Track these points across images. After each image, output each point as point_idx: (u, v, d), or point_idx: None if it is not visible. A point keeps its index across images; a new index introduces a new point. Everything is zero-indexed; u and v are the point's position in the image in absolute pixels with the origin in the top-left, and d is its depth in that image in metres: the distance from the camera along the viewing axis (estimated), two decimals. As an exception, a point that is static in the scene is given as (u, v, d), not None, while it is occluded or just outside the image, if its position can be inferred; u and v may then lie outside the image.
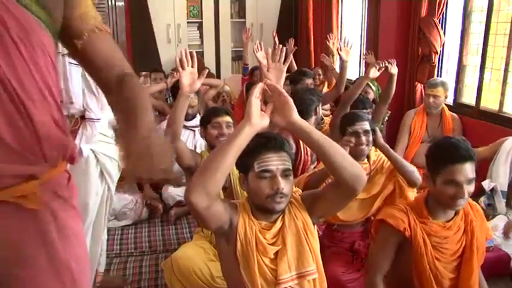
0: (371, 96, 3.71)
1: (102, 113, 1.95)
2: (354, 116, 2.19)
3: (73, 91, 1.83)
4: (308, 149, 2.71)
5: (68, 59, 1.79)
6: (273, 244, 1.45)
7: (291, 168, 1.44)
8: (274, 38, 4.34)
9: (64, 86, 1.82)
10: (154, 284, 2.43)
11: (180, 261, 1.99)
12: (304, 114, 2.43)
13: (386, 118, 3.54)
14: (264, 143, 1.40)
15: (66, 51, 1.73)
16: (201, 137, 2.32)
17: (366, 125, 2.12)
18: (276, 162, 1.40)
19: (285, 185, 1.39)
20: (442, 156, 1.61)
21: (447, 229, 1.67)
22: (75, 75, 1.82)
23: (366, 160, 2.23)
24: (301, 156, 2.70)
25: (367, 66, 4.54)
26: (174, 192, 3.24)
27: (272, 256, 1.44)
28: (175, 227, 3.09)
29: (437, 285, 1.64)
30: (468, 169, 1.55)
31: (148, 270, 2.56)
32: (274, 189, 1.38)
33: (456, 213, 1.70)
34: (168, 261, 2.06)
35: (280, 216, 1.47)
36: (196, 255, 2.03)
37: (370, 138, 2.12)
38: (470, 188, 1.57)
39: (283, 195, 1.40)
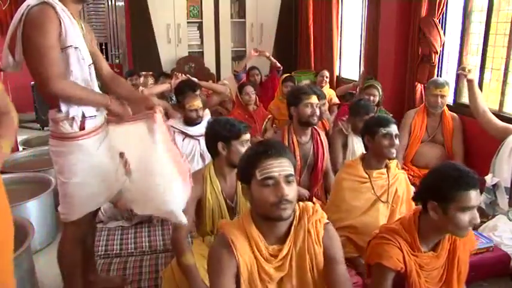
0: (376, 99, 3.63)
1: (97, 110, 1.92)
2: (388, 119, 2.28)
3: (81, 83, 1.83)
4: (324, 145, 2.82)
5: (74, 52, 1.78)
6: (278, 268, 1.43)
7: (293, 173, 1.41)
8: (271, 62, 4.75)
9: (73, 79, 1.80)
10: (155, 284, 2.43)
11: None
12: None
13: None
14: (263, 150, 1.39)
15: (73, 45, 1.74)
16: (222, 149, 2.11)
17: (396, 129, 2.25)
18: (277, 168, 1.38)
19: (289, 191, 1.37)
20: (456, 183, 1.54)
21: (436, 258, 1.69)
22: (77, 70, 1.81)
23: (385, 170, 2.26)
24: (316, 166, 2.80)
25: (367, 67, 4.56)
26: None
27: (276, 282, 1.44)
28: (175, 227, 3.09)
29: None
30: (477, 194, 1.56)
31: (148, 270, 2.56)
32: (278, 197, 1.36)
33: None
34: (169, 270, 2.02)
35: (289, 241, 1.44)
36: (196, 262, 1.99)
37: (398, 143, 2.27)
38: None
39: (288, 202, 1.37)
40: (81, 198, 1.90)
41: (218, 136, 2.07)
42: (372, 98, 3.54)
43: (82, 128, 1.85)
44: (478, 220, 1.57)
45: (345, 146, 3.09)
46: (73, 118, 1.83)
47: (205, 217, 2.08)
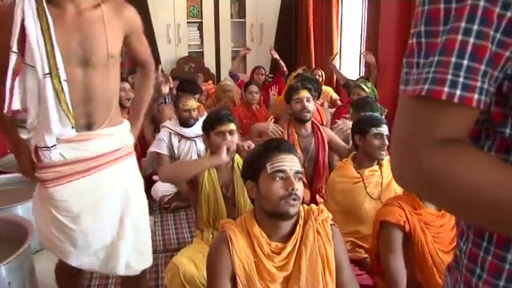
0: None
1: (52, 133, 1.45)
2: (379, 119, 2.25)
3: (31, 100, 1.43)
4: (325, 139, 2.84)
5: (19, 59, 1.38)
6: (281, 267, 1.40)
7: (301, 171, 1.44)
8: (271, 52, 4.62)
9: (20, 92, 1.40)
10: (155, 284, 2.43)
11: (187, 266, 1.91)
12: None
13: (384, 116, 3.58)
14: (276, 145, 1.43)
15: (14, 49, 1.36)
16: (203, 142, 2.26)
17: (387, 130, 2.19)
18: (289, 163, 1.41)
19: (298, 186, 1.39)
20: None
21: (441, 217, 1.74)
22: (30, 79, 1.40)
23: (377, 167, 2.23)
24: (318, 159, 2.83)
25: (367, 65, 4.56)
26: (161, 188, 3.29)
27: (280, 281, 1.40)
28: (175, 227, 3.09)
29: (440, 277, 1.65)
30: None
31: (149, 270, 2.55)
32: (288, 190, 1.36)
33: None
34: (173, 266, 1.96)
35: (293, 239, 1.42)
36: (197, 261, 1.97)
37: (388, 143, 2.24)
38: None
39: (297, 198, 1.38)
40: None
41: (202, 128, 2.23)
42: (356, 97, 3.68)
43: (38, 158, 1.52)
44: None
45: (345, 143, 3.09)
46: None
47: (202, 203, 2.10)
